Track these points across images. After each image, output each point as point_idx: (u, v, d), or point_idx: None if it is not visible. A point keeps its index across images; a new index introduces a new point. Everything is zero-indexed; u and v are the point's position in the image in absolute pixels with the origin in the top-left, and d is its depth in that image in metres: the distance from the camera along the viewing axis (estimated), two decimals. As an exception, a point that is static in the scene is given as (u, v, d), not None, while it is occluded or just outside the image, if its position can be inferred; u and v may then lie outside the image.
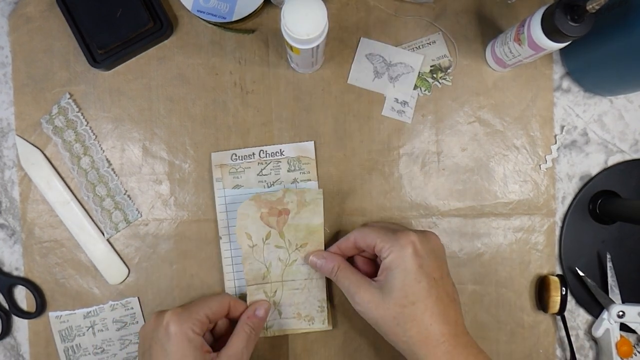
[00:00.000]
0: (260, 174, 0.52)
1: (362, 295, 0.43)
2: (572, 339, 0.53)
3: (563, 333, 0.53)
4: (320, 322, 0.51)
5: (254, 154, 0.52)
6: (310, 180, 0.52)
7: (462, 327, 0.43)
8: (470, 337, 0.42)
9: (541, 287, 0.53)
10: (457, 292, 0.45)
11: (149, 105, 0.53)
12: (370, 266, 0.49)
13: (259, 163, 0.52)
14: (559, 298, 0.51)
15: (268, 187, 0.52)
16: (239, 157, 0.52)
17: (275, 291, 0.50)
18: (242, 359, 0.45)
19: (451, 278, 0.45)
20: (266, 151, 0.52)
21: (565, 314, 0.52)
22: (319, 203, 0.49)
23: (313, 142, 0.52)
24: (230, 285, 0.52)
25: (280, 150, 0.52)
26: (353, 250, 0.48)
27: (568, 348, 0.52)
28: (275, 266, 0.50)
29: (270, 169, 0.52)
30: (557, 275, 0.52)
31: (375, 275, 0.45)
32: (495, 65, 0.52)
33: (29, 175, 0.52)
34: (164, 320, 0.43)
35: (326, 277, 0.50)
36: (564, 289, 0.51)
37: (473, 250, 0.53)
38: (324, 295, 0.51)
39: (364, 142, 0.53)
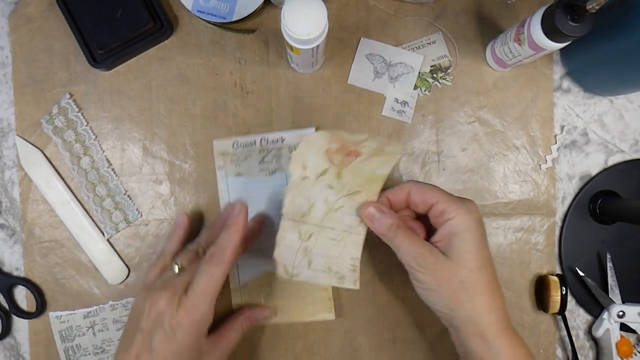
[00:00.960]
0: (262, 161, 0.52)
1: (426, 257, 0.40)
2: (572, 339, 0.53)
3: (563, 333, 0.53)
4: (351, 283, 0.45)
5: (255, 141, 0.52)
6: None
7: None
8: None
9: (541, 287, 0.53)
10: None
11: (149, 105, 0.53)
12: (420, 226, 0.45)
13: (260, 151, 0.52)
14: (559, 298, 0.51)
15: (269, 174, 0.52)
16: (240, 144, 0.52)
17: (310, 235, 0.45)
18: (229, 354, 0.46)
19: None
20: (267, 139, 0.52)
21: (566, 313, 0.52)
22: (395, 158, 0.44)
23: (314, 127, 0.52)
24: (235, 285, 0.52)
25: (282, 137, 0.52)
26: (403, 203, 0.44)
27: (569, 348, 0.52)
28: (319, 207, 0.45)
29: (272, 157, 0.52)
30: (557, 275, 0.52)
31: (424, 236, 0.43)
32: (495, 65, 0.52)
33: (29, 175, 0.52)
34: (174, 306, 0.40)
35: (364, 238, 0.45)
36: (564, 288, 0.51)
37: (473, 250, 0.53)
38: (359, 254, 0.45)
39: (364, 142, 0.53)
